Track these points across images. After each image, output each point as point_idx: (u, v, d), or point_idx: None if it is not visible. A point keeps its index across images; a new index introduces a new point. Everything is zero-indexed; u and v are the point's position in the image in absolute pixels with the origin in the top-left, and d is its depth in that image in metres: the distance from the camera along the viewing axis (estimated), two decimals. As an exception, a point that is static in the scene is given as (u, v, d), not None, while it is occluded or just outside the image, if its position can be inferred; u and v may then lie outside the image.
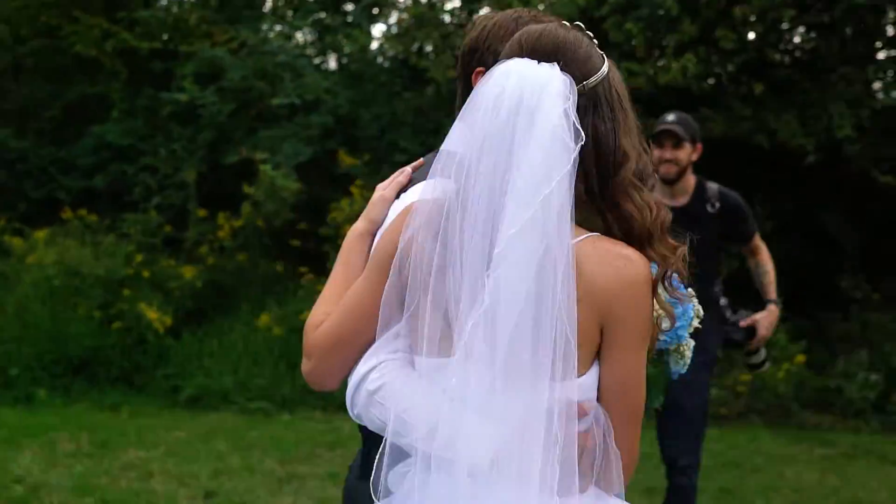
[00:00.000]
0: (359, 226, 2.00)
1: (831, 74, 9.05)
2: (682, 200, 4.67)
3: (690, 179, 4.71)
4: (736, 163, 9.49)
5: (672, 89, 9.08)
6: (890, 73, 10.09)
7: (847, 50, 9.24)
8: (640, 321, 1.73)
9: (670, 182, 4.64)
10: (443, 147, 1.77)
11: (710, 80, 9.34)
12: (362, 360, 1.81)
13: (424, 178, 1.88)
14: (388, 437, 1.72)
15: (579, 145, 1.65)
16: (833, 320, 9.24)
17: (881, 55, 9.81)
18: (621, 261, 1.71)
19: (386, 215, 1.98)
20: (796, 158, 8.92)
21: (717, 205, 4.66)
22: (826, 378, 8.53)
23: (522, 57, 1.74)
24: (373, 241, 1.97)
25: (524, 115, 1.66)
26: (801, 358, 8.43)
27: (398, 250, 1.75)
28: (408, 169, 2.07)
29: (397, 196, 2.01)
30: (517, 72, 1.71)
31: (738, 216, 4.73)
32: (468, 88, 2.00)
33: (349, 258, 1.96)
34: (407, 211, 1.79)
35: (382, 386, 1.77)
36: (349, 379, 1.84)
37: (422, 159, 2.11)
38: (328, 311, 1.88)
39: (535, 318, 1.62)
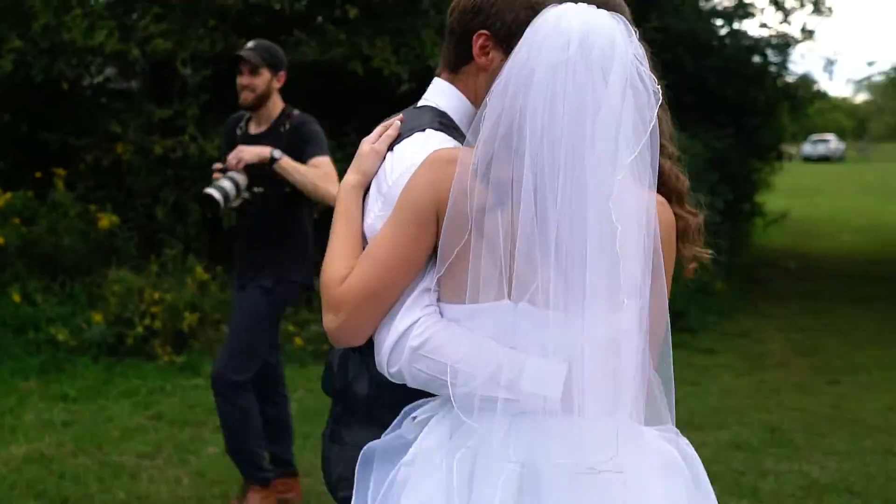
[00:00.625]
0: (351, 178, 2.00)
1: (423, 1, 8.96)
2: (263, 128, 4.66)
3: (276, 107, 4.66)
4: (331, 89, 9.20)
5: (263, 9, 8.57)
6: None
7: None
8: (673, 258, 1.85)
9: (250, 108, 4.63)
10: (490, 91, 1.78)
11: (303, 2, 8.92)
12: (398, 317, 1.80)
13: (410, 132, 1.98)
14: (449, 390, 1.72)
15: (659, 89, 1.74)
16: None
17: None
18: (659, 205, 1.78)
19: (378, 168, 1.99)
20: (391, 86, 8.78)
21: (287, 125, 4.60)
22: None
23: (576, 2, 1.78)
24: (364, 192, 1.99)
25: (599, 53, 1.69)
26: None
27: (452, 196, 1.74)
28: (396, 122, 2.05)
29: (389, 148, 2.00)
30: (579, 15, 1.74)
31: (300, 135, 4.58)
32: (463, 46, 2.03)
33: (349, 210, 1.96)
34: (438, 161, 1.81)
35: (428, 339, 1.77)
36: (380, 337, 1.83)
37: (402, 114, 2.10)
38: (347, 265, 1.87)
39: (618, 255, 1.67)
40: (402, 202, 1.83)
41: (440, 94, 2.11)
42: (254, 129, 4.65)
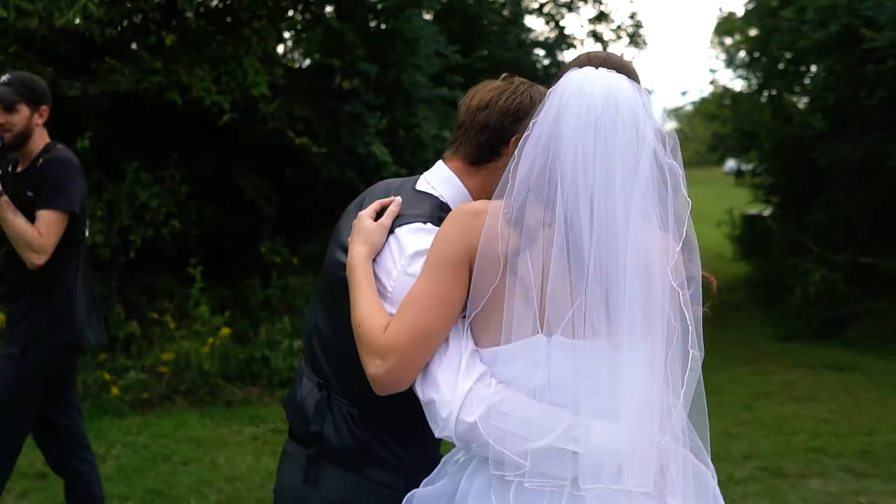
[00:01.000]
0: (362, 250, 2.09)
1: (244, 29, 8.60)
2: (26, 165, 4.23)
3: (39, 144, 4.23)
4: (148, 120, 8.70)
5: (71, 35, 8.01)
6: (297, 40, 9.97)
7: (258, 3, 8.85)
8: None
9: (10, 148, 4.18)
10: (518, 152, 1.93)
11: (116, 28, 8.37)
12: (462, 374, 1.88)
13: (413, 219, 2.10)
14: (525, 445, 1.83)
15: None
16: (254, 287, 8.90)
17: (291, 12, 9.62)
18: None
19: (384, 241, 2.10)
20: (212, 117, 8.36)
21: (41, 161, 4.17)
22: (251, 349, 8.13)
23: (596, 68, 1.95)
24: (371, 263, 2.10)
25: (622, 113, 1.86)
26: (226, 331, 7.93)
27: (483, 242, 1.89)
28: (398, 199, 2.17)
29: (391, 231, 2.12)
30: (600, 81, 1.91)
31: (44, 178, 4.12)
32: (493, 144, 2.17)
33: (367, 276, 2.05)
34: (465, 213, 1.96)
35: (505, 399, 1.85)
36: (441, 397, 1.88)
37: (400, 189, 2.23)
38: (384, 316, 1.97)
39: (650, 292, 1.85)
40: (434, 253, 1.97)
41: (445, 183, 2.20)
42: (20, 167, 4.22)
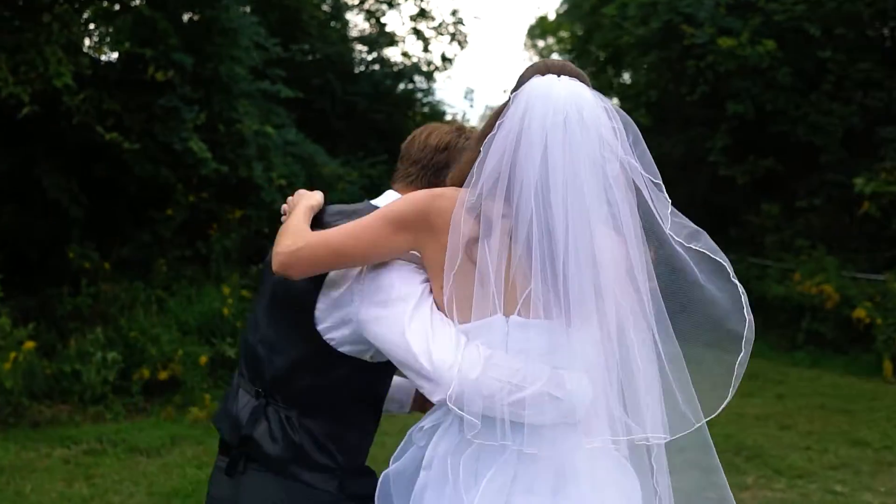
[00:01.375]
0: (308, 202, 2.27)
1: (45, 14, 7.88)
2: None
3: None
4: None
5: None
6: (104, 28, 9.27)
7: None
8: None
9: None
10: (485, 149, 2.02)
11: None
12: (455, 340, 1.98)
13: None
14: (522, 392, 1.93)
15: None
16: (61, 296, 8.17)
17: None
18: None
19: (324, 202, 2.32)
20: (10, 110, 7.61)
21: None
22: (60, 363, 7.43)
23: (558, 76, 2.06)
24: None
25: (589, 121, 1.97)
26: (30, 344, 7.21)
27: (452, 227, 1.99)
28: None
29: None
30: (566, 88, 2.02)
31: None
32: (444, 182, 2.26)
33: (307, 216, 2.22)
34: (429, 193, 2.06)
35: (494, 353, 1.95)
36: (442, 358, 1.95)
37: (362, 206, 2.34)
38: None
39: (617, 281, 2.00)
40: (388, 207, 2.08)
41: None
42: None
